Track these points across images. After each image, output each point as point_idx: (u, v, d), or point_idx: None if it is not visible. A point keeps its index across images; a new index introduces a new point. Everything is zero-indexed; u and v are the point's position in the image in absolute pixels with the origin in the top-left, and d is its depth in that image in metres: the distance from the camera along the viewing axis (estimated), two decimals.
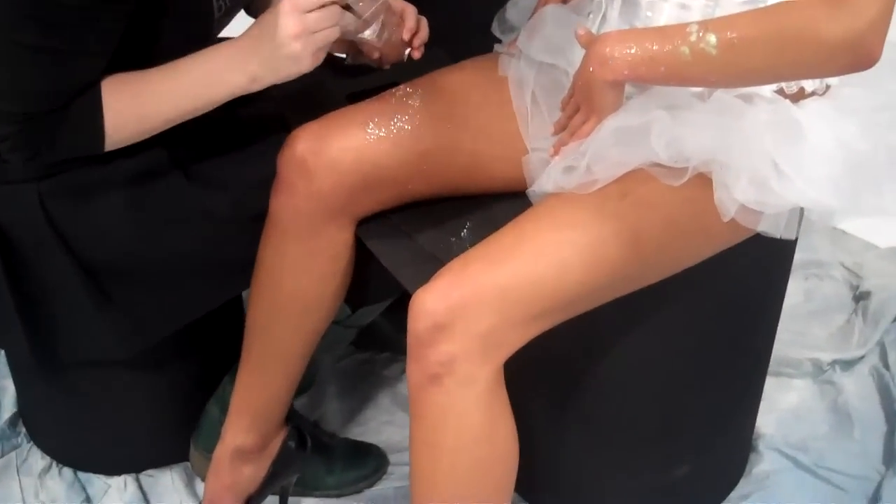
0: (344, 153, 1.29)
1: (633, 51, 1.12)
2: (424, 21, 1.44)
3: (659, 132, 1.17)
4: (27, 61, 1.19)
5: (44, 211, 1.34)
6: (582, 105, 1.21)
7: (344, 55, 1.48)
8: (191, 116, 1.28)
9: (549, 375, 1.43)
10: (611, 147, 1.18)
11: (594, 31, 1.31)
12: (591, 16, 1.34)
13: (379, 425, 1.81)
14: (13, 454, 1.76)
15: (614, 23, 1.30)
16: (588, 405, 1.45)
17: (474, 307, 1.12)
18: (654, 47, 1.11)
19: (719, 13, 1.18)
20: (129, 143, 1.29)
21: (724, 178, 1.15)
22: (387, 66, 1.47)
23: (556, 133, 1.28)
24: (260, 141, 1.43)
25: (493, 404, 1.16)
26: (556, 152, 1.25)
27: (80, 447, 1.73)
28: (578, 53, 1.23)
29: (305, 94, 1.46)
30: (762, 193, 1.15)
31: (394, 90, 1.37)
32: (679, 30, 1.10)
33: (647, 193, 1.19)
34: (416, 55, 1.44)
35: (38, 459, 1.74)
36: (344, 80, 1.55)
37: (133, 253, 1.40)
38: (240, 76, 1.24)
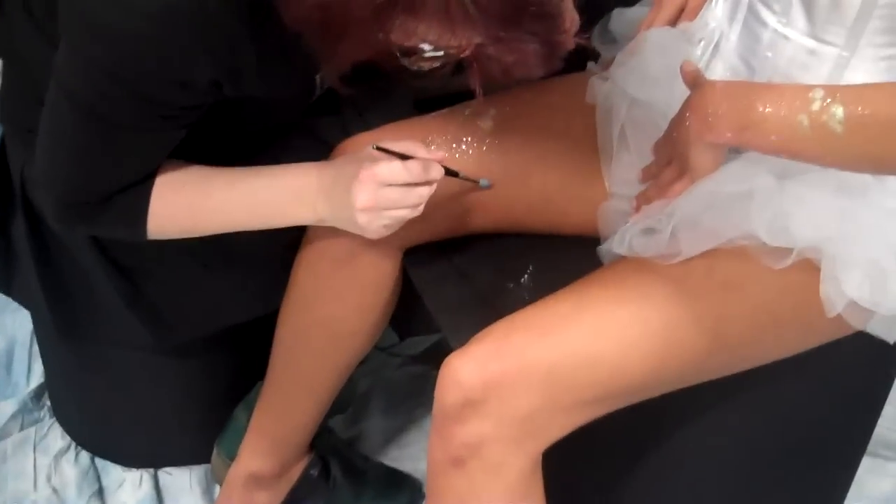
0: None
1: (740, 110, 0.92)
2: None
3: (762, 204, 0.97)
4: (79, 155, 1.05)
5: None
6: (675, 159, 1.02)
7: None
8: (243, 230, 1.15)
9: (602, 456, 1.24)
10: (703, 213, 0.99)
11: (703, 63, 1.12)
12: (702, 43, 1.14)
13: (420, 451, 1.66)
14: (33, 429, 1.66)
15: (728, 56, 1.10)
16: (651, 497, 1.26)
17: (515, 385, 0.96)
18: (767, 110, 0.91)
19: (856, 64, 0.98)
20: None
21: (835, 270, 0.96)
22: None
23: (643, 181, 1.10)
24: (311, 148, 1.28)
25: (525, 497, 0.99)
26: (638, 207, 1.07)
27: (100, 431, 1.63)
28: (681, 92, 1.04)
29: (371, 92, 1.30)
30: (878, 292, 0.96)
31: (464, 106, 1.19)
32: (799, 93, 0.90)
33: (739, 274, 1.00)
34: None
35: (58, 439, 1.65)
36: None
37: (168, 261, 1.27)
38: (307, 212, 1.10)
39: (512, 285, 1.18)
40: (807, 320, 1.02)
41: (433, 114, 1.19)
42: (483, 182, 1.12)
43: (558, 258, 1.20)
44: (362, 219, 1.03)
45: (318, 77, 1.15)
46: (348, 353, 1.27)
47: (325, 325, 1.23)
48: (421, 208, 1.04)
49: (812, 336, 1.05)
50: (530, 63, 0.87)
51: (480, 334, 1.00)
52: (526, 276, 1.19)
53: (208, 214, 1.11)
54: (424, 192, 1.02)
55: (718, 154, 0.99)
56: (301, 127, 1.26)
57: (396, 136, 1.15)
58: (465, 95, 1.29)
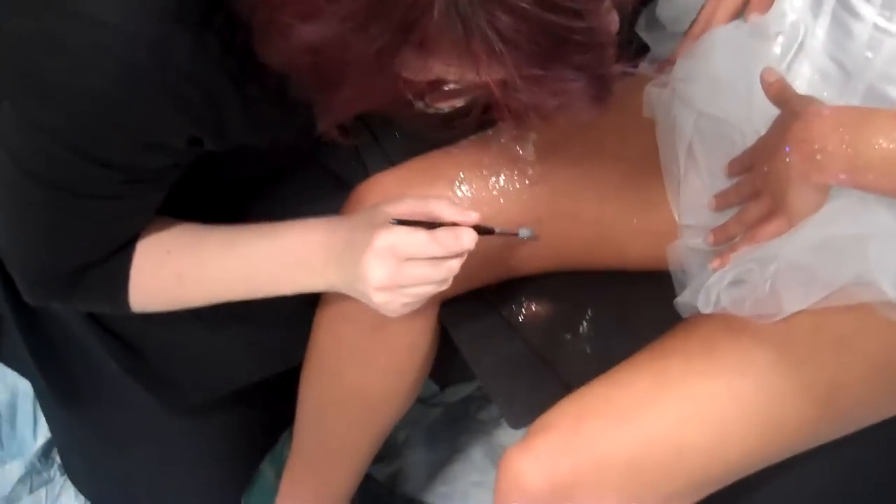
0: None
1: (858, 147, 0.74)
2: None
3: (881, 250, 0.79)
4: (40, 229, 0.88)
5: None
6: (764, 194, 0.84)
7: None
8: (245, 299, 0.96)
9: None
10: (808, 261, 0.81)
11: (785, 65, 0.93)
12: (780, 39, 0.95)
13: (467, 487, 1.50)
14: (43, 491, 1.52)
15: (816, 56, 0.91)
16: None
17: (590, 485, 0.80)
18: (892, 146, 0.73)
19: None
20: None
21: None
22: None
23: (717, 208, 0.92)
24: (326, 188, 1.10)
25: None
26: (715, 242, 0.89)
27: (116, 492, 1.48)
28: (761, 102, 0.86)
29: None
30: None
31: (497, 130, 1.01)
32: None
33: (853, 329, 0.82)
34: None
35: (72, 499, 1.50)
36: None
37: (168, 324, 1.11)
38: (317, 280, 0.90)
39: (569, 336, 1.01)
40: None
41: (464, 142, 1.01)
42: (523, 232, 0.94)
43: (622, 298, 1.03)
44: (378, 298, 0.85)
45: None
46: (383, 419, 1.10)
47: (355, 395, 1.06)
48: (449, 282, 0.85)
49: None
50: (577, 105, 0.69)
51: (544, 420, 0.83)
52: (585, 323, 1.02)
53: (199, 286, 0.93)
54: (454, 266, 0.83)
55: (824, 195, 0.81)
56: (310, 162, 1.09)
57: (422, 176, 0.97)
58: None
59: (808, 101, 0.81)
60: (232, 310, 1.10)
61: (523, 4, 0.61)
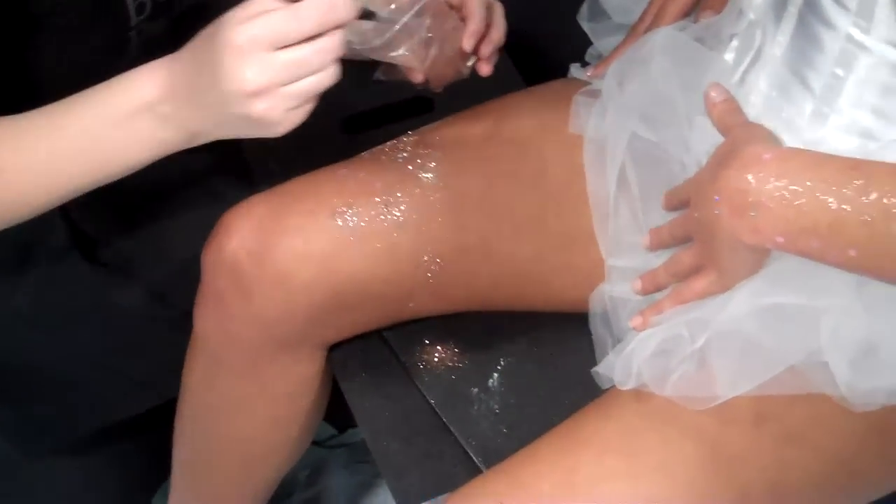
0: (301, 262, 0.79)
1: (801, 206, 0.58)
2: (499, 10, 0.84)
3: (836, 326, 0.64)
4: None
5: None
6: (698, 245, 0.68)
7: (368, 65, 0.84)
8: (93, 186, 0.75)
9: None
10: (747, 332, 0.66)
11: (737, 78, 0.76)
12: (735, 44, 0.78)
13: None
14: None
15: (776, 67, 0.75)
16: None
17: None
18: (846, 207, 0.57)
19: None
20: None
21: None
22: (438, 90, 0.85)
23: (652, 248, 0.76)
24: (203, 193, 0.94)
25: None
26: (643, 289, 0.74)
27: None
28: (704, 131, 0.70)
29: None
30: None
31: (394, 146, 0.84)
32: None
33: (802, 419, 0.67)
34: (486, 71, 0.85)
35: None
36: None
37: (24, 354, 0.95)
38: (170, 132, 0.70)
39: (476, 390, 0.85)
40: (893, 459, 0.70)
41: (354, 161, 0.84)
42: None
43: (543, 346, 0.87)
44: (258, 108, 0.65)
45: None
46: (266, 471, 0.96)
47: (233, 447, 0.91)
48: (338, 68, 0.66)
49: None
50: None
51: None
52: (496, 375, 0.86)
53: (25, 178, 0.72)
54: (335, 42, 0.65)
55: (762, 256, 0.65)
56: (193, 179, 0.93)
57: (301, 204, 0.81)
58: (402, 109, 0.96)
59: (751, 135, 0.65)
60: (90, 341, 0.96)
61: None
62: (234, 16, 0.64)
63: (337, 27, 0.64)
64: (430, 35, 0.75)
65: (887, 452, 0.69)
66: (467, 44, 0.80)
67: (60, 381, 1.00)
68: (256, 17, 0.63)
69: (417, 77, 0.80)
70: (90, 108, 0.70)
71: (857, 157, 0.64)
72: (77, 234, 0.93)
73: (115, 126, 0.69)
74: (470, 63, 0.82)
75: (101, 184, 0.73)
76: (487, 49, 0.82)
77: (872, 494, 0.73)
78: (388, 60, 0.75)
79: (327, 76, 0.65)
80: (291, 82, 0.64)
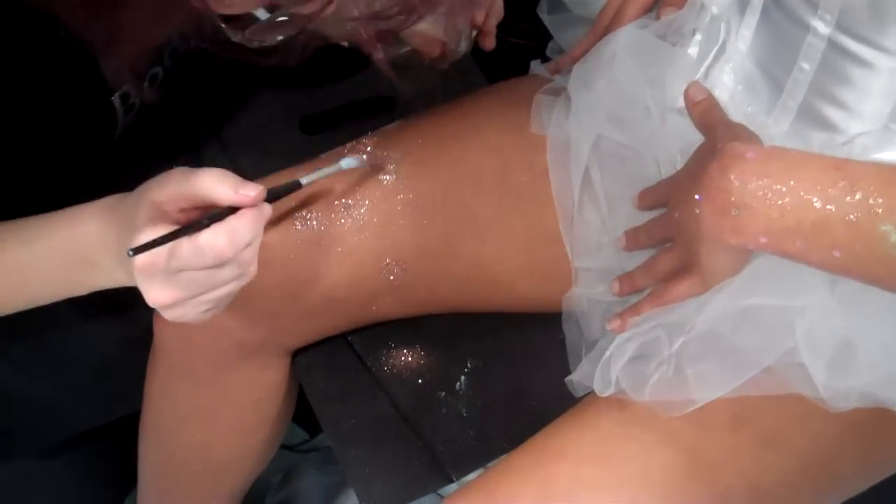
0: (260, 268, 0.75)
1: (784, 206, 0.57)
2: None
3: (812, 326, 0.63)
4: None
5: None
6: (678, 246, 0.67)
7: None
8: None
9: None
10: (725, 334, 0.65)
11: (702, 71, 0.75)
12: (698, 38, 0.77)
13: None
14: None
15: (741, 62, 0.74)
16: None
17: None
18: (830, 208, 0.56)
19: None
20: None
21: None
22: (444, 65, 0.84)
23: (628, 249, 0.75)
24: None
25: None
26: (621, 290, 0.73)
27: None
28: (677, 129, 0.69)
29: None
30: None
31: (353, 147, 0.82)
32: (888, 178, 0.55)
33: (780, 420, 0.67)
34: (490, 44, 0.86)
35: None
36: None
37: None
38: (104, 278, 0.68)
39: (443, 394, 0.84)
40: (876, 460, 0.70)
41: (311, 163, 0.82)
42: (346, 163, 0.73)
43: (512, 347, 0.86)
44: (170, 315, 0.63)
45: (117, 95, 0.77)
46: (233, 480, 0.94)
47: (197, 456, 0.89)
48: (252, 271, 0.64)
49: (882, 470, 0.73)
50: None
51: None
52: (463, 378, 0.85)
53: None
54: (247, 257, 0.62)
55: (744, 256, 0.64)
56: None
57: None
58: (361, 109, 0.94)
59: (733, 134, 0.64)
60: (51, 359, 0.93)
61: None
62: (148, 211, 0.61)
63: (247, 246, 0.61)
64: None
65: (864, 452, 0.69)
66: (479, 16, 0.81)
67: (27, 397, 0.96)
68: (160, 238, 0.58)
69: (435, 50, 0.79)
70: (32, 248, 0.68)
71: (824, 151, 0.64)
72: None
73: (55, 271, 0.68)
74: (472, 36, 0.83)
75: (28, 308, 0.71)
76: (490, 23, 0.83)
77: (851, 493, 0.72)
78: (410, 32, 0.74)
79: (243, 280, 0.63)
80: (201, 293, 0.61)
